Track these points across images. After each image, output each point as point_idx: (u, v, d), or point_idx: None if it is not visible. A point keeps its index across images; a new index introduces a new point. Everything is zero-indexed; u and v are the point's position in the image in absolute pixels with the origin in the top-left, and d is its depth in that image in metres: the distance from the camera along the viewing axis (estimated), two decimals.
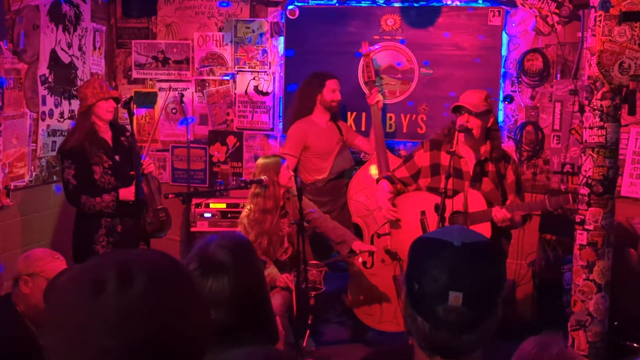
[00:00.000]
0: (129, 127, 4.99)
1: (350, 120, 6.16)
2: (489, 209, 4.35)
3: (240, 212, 5.17)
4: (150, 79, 6.69)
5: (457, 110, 4.42)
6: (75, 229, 4.98)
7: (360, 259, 5.16)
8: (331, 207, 5.53)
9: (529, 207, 4.51)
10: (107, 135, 4.94)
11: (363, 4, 6.15)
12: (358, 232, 5.38)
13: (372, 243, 5.11)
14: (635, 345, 4.40)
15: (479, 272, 1.48)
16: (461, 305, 1.44)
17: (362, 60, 5.73)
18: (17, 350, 3.08)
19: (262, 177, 4.88)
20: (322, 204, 5.43)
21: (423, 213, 4.51)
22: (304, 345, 5.05)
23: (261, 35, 6.39)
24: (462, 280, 1.46)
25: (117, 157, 4.92)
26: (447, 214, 4.24)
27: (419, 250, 1.57)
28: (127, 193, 4.80)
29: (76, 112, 4.97)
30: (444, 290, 1.46)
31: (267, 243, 4.87)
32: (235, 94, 6.51)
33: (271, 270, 4.85)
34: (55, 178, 5.75)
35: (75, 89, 5.92)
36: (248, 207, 4.90)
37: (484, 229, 4.32)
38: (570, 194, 4.12)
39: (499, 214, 4.28)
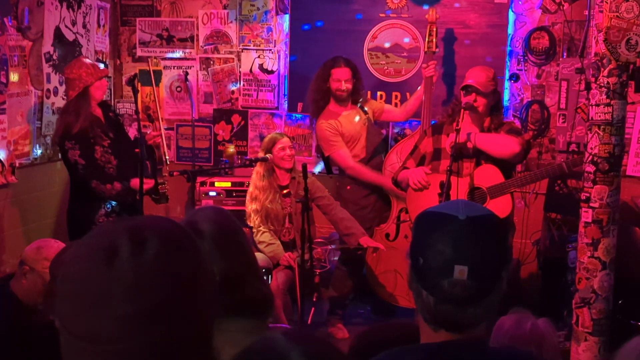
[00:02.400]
0: (133, 105, 4.93)
1: None
2: (507, 180, 4.36)
3: (245, 191, 5.23)
4: (155, 57, 6.66)
5: (466, 89, 4.41)
6: (72, 208, 4.94)
7: (383, 232, 5.20)
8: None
9: (547, 173, 4.52)
10: (98, 113, 4.89)
11: None
12: (387, 203, 5.41)
13: (399, 217, 5.14)
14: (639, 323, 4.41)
15: (483, 245, 1.48)
16: (466, 278, 1.44)
17: (427, 27, 5.42)
18: (10, 331, 3.08)
19: (267, 156, 4.93)
20: (367, 186, 5.37)
21: (442, 185, 4.45)
22: (309, 322, 5.09)
23: (266, 13, 6.36)
24: (467, 254, 1.46)
25: (111, 134, 4.88)
26: (452, 191, 4.23)
27: (424, 224, 1.56)
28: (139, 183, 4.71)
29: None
30: (449, 264, 1.46)
31: (266, 219, 4.92)
32: (240, 72, 6.49)
33: (275, 248, 4.88)
34: (60, 156, 5.75)
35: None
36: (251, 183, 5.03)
37: (505, 201, 4.34)
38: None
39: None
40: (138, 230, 1.12)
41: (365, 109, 5.49)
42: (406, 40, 6.03)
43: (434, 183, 4.40)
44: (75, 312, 1.09)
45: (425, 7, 5.87)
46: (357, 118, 5.39)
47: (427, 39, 5.40)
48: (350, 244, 4.97)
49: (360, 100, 5.49)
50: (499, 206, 4.29)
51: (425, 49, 5.43)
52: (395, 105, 5.97)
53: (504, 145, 4.37)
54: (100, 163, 4.77)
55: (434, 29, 5.38)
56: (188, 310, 1.11)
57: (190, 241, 1.18)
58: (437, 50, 5.43)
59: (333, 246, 5.26)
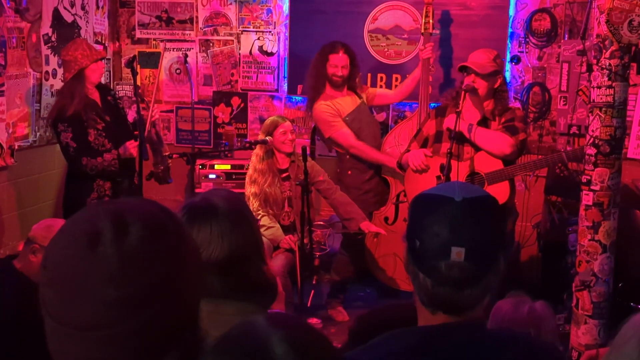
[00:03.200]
0: (134, 86, 4.89)
1: None
2: (506, 167, 4.33)
3: (244, 174, 5.22)
4: (154, 39, 6.63)
5: (464, 70, 4.38)
6: (66, 191, 4.92)
7: (382, 215, 5.18)
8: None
9: (547, 163, 4.50)
10: (95, 96, 4.85)
11: None
12: (388, 186, 5.39)
13: (398, 200, 5.12)
14: (639, 306, 4.41)
15: (480, 226, 1.47)
16: (463, 260, 1.43)
17: (424, 8, 5.38)
18: (17, 309, 3.07)
19: (267, 138, 4.92)
20: (369, 169, 5.35)
21: (442, 167, 4.43)
22: (308, 305, 5.10)
23: None
24: (464, 235, 1.45)
25: (107, 118, 4.84)
26: (452, 175, 4.22)
27: (420, 206, 1.55)
28: (131, 147, 4.70)
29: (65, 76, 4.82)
30: (445, 245, 1.45)
31: (264, 203, 4.91)
32: (239, 54, 6.45)
33: (275, 231, 4.87)
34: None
35: None
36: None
37: (503, 188, 4.32)
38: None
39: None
40: (120, 214, 1.11)
41: (360, 94, 5.44)
42: (407, 22, 5.99)
43: (434, 165, 4.38)
44: (60, 298, 1.08)
45: None
46: (352, 103, 5.34)
47: (423, 20, 5.36)
48: (351, 228, 4.95)
49: (356, 86, 5.42)
50: (497, 193, 4.26)
51: (422, 31, 5.39)
52: (396, 87, 5.94)
53: (496, 145, 4.35)
54: (93, 146, 4.74)
55: (430, 10, 5.35)
56: (173, 294, 1.10)
57: (175, 224, 1.17)
58: (434, 31, 5.39)
59: (333, 230, 5.25)
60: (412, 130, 5.17)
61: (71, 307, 1.06)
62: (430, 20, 5.33)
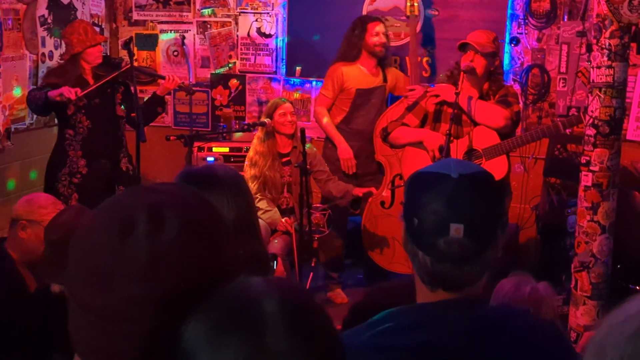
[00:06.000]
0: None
1: None
2: (503, 141, 4.33)
3: (243, 156, 5.20)
4: (151, 21, 6.59)
5: (463, 47, 4.37)
6: (47, 165, 4.95)
7: (379, 200, 5.17)
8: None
9: (543, 133, 4.48)
10: (89, 77, 4.82)
11: None
12: (381, 171, 5.37)
13: (393, 183, 5.12)
14: (638, 287, 4.41)
15: (478, 202, 1.47)
16: (462, 236, 1.43)
17: None
18: (7, 295, 3.06)
19: (265, 120, 4.90)
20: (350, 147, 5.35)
21: (441, 149, 4.41)
22: (307, 287, 5.09)
23: None
24: (462, 212, 1.45)
25: (96, 100, 4.81)
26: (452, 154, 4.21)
27: (417, 184, 1.55)
28: (65, 90, 4.53)
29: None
30: (444, 222, 1.44)
31: (263, 186, 4.89)
32: (237, 36, 6.42)
33: (272, 214, 4.87)
34: (56, 121, 5.70)
35: None
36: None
37: (502, 162, 4.32)
38: (581, 114, 4.10)
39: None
40: (159, 206, 1.05)
41: (387, 77, 5.41)
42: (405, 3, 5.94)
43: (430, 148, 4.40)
44: (83, 284, 1.04)
45: None
46: (371, 82, 5.32)
47: (407, 3, 5.35)
48: (347, 200, 4.95)
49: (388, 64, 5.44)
50: (495, 167, 4.27)
51: (408, 14, 5.40)
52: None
53: (489, 117, 4.37)
54: (70, 120, 4.76)
55: None
56: (201, 298, 1.04)
57: (214, 220, 1.11)
58: (417, 14, 5.41)
59: (331, 205, 5.24)
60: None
61: (94, 294, 1.02)
62: (415, 3, 5.33)
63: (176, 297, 1.02)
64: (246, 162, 5.00)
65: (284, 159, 5.00)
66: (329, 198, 5.17)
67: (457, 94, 4.22)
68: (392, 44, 5.92)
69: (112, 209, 1.08)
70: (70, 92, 4.50)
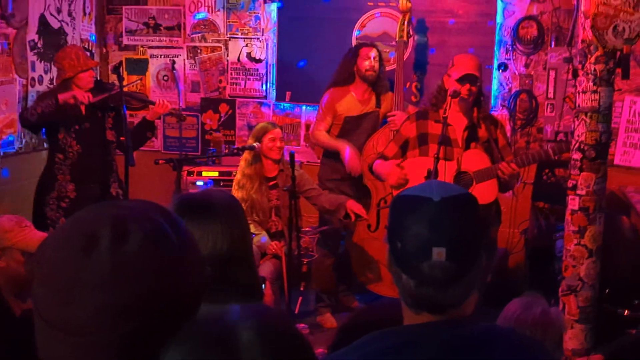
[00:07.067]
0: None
1: None
2: (494, 165, 4.31)
3: (232, 180, 5.21)
4: (142, 46, 6.62)
5: (468, 78, 4.30)
6: (36, 188, 4.94)
7: (365, 223, 5.17)
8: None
9: (534, 158, 4.48)
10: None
11: None
12: (368, 194, 5.36)
13: (378, 207, 5.12)
14: (626, 312, 4.41)
15: (459, 225, 1.47)
16: (445, 259, 1.43)
17: (401, 16, 5.47)
18: None
19: (255, 144, 4.91)
20: (339, 171, 5.34)
21: (429, 173, 4.40)
22: (296, 311, 5.08)
23: (254, 1, 6.31)
24: (444, 235, 1.45)
25: (86, 125, 4.84)
26: (439, 177, 4.20)
27: (399, 207, 1.56)
28: (78, 93, 4.59)
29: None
30: (426, 246, 1.45)
31: (250, 210, 4.88)
32: (227, 61, 6.45)
33: (261, 238, 4.86)
34: (45, 145, 5.70)
35: None
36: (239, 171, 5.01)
37: (492, 186, 4.31)
38: (569, 139, 4.10)
39: (507, 169, 4.24)
40: (123, 220, 1.08)
41: (381, 103, 5.42)
42: (395, 29, 5.98)
43: (422, 165, 4.38)
44: (49, 298, 1.06)
45: None
46: (362, 108, 5.34)
47: (399, 28, 5.43)
48: (340, 214, 4.93)
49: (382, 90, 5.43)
50: (486, 191, 4.26)
51: (397, 38, 5.46)
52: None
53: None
54: (60, 144, 4.77)
55: (407, 18, 5.42)
56: (167, 306, 1.07)
57: (178, 233, 1.13)
58: (406, 39, 5.46)
59: (321, 230, 5.23)
60: (390, 138, 5.15)
61: (60, 309, 1.04)
62: (405, 28, 5.39)
63: (140, 307, 1.04)
64: (234, 185, 4.99)
65: (271, 183, 5.00)
66: (324, 213, 5.17)
67: (445, 119, 4.22)
68: None
69: (77, 224, 1.10)
70: (83, 97, 4.56)
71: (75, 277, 1.03)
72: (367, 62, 5.25)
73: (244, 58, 6.41)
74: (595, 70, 3.47)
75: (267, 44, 6.35)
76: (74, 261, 1.04)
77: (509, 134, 5.44)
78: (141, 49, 6.62)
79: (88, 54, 5.76)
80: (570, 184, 3.62)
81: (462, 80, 4.31)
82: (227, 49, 6.45)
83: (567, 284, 3.64)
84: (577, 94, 3.59)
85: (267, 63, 6.38)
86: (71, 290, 1.03)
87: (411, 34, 5.56)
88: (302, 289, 5.21)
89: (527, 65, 5.82)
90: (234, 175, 5.23)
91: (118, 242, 1.05)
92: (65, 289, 1.04)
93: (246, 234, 2.00)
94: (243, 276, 1.91)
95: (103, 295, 1.03)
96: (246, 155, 4.98)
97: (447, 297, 1.47)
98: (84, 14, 6.29)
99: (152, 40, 6.58)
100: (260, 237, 4.84)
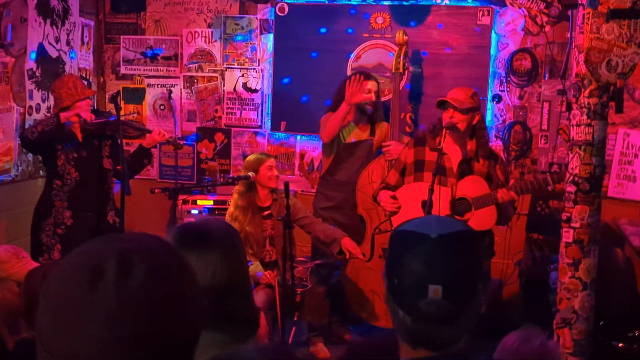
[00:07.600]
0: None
1: None
2: (493, 191, 4.32)
3: (227, 209, 5.20)
4: (139, 75, 6.66)
5: (442, 104, 4.40)
6: (33, 214, 4.95)
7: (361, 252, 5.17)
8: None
9: (533, 187, 4.50)
10: (78, 130, 4.85)
11: (352, 2, 6.13)
12: (362, 223, 5.36)
13: (372, 237, 5.12)
14: (620, 344, 4.41)
15: (456, 263, 1.47)
16: (441, 297, 1.43)
17: (397, 49, 5.51)
18: None
19: (249, 174, 4.91)
20: (333, 198, 5.37)
21: (424, 204, 4.41)
22: (290, 342, 5.05)
23: (250, 32, 6.37)
24: (440, 273, 1.45)
25: (83, 154, 4.87)
26: (435, 200, 4.21)
27: (397, 243, 1.56)
28: (81, 112, 4.69)
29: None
30: (423, 283, 1.45)
31: (244, 242, 4.87)
32: (223, 90, 6.49)
33: (255, 268, 4.85)
34: (41, 173, 5.71)
35: None
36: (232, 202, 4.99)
37: (490, 212, 4.32)
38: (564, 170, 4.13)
39: (506, 196, 4.26)
40: (127, 253, 1.10)
41: (375, 131, 5.44)
42: (390, 60, 6.04)
43: (419, 191, 4.40)
44: (54, 329, 1.07)
45: (413, 25, 5.92)
46: (357, 136, 5.37)
47: (395, 61, 5.46)
48: (334, 249, 4.92)
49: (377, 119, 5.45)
50: (484, 217, 4.27)
51: (393, 70, 5.48)
52: None
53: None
54: (59, 170, 4.79)
55: (403, 51, 5.47)
56: (169, 338, 1.09)
57: (180, 267, 1.16)
58: (402, 71, 5.49)
59: (315, 263, 5.22)
60: (385, 168, 5.18)
61: (64, 340, 1.05)
62: (402, 61, 5.43)
63: (144, 338, 1.06)
64: (227, 218, 4.97)
65: (265, 213, 5.00)
66: (317, 245, 5.17)
67: (440, 150, 4.25)
68: None
69: (83, 257, 1.12)
70: (87, 115, 4.63)
71: (81, 310, 1.05)
72: (365, 95, 5.24)
73: (240, 88, 6.45)
74: (589, 104, 3.49)
75: (262, 74, 6.39)
76: (79, 294, 1.06)
77: None
78: (138, 78, 6.65)
79: (85, 83, 5.79)
80: (564, 216, 3.63)
81: (439, 105, 4.40)
82: (223, 78, 6.49)
83: (561, 316, 3.63)
84: (571, 127, 3.62)
85: (262, 93, 6.41)
86: (76, 322, 1.05)
87: (407, 66, 5.61)
88: (295, 319, 5.20)
89: (521, 97, 5.87)
90: (229, 204, 5.22)
91: (123, 275, 1.07)
92: (70, 321, 1.05)
93: (243, 263, 2.00)
94: (240, 306, 1.91)
95: (109, 328, 1.04)
96: (239, 187, 4.96)
97: (444, 335, 1.47)
98: (82, 43, 6.33)
99: (149, 70, 6.62)
100: (255, 270, 4.82)
